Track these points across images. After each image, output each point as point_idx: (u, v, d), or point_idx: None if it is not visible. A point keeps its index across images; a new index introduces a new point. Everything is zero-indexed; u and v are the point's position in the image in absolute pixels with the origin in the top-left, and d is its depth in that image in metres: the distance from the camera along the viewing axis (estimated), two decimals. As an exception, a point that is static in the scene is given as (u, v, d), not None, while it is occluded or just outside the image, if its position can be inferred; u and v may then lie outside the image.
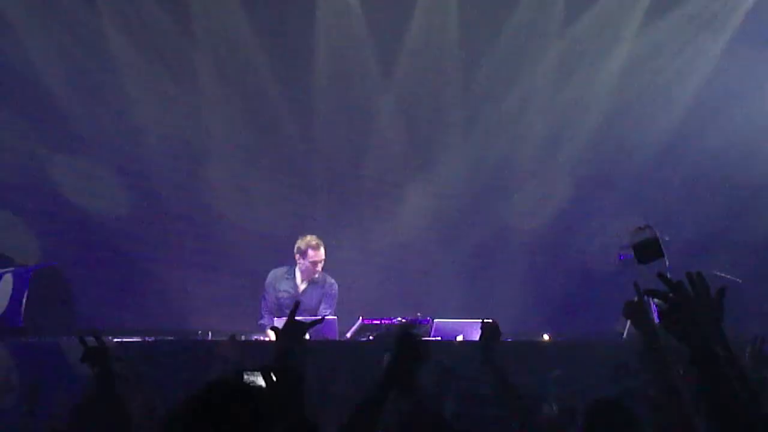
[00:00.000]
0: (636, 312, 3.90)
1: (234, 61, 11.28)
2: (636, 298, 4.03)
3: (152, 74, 11.04)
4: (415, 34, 11.46)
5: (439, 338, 8.77)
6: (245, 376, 3.69)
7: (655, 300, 3.42)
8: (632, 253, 8.05)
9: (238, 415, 3.06)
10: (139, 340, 8.52)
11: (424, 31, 11.45)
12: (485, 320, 5.85)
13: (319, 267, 9.54)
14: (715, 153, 10.97)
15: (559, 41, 11.48)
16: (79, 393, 5.60)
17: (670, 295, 3.31)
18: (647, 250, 7.85)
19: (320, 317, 4.44)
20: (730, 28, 11.22)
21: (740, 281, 8.87)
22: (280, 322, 8.76)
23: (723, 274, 8.15)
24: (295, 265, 9.60)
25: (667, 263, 7.56)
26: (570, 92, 11.46)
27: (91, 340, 4.76)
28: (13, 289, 9.14)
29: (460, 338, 8.52)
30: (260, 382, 3.51)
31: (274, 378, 3.47)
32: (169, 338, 8.93)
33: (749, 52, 11.07)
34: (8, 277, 9.20)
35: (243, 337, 8.70)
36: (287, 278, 9.59)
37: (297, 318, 4.38)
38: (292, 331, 4.20)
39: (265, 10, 11.10)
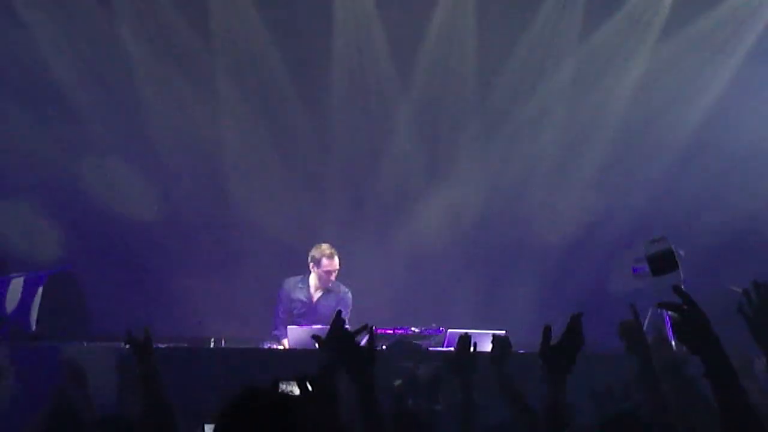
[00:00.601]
0: (631, 332, 3.86)
1: (251, 68, 11.32)
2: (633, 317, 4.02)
3: (169, 79, 11.10)
4: (433, 44, 11.50)
5: (452, 348, 8.76)
6: (281, 386, 3.64)
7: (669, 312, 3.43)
8: (647, 265, 8.04)
9: (272, 425, 3.04)
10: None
11: (441, 41, 11.50)
12: (496, 333, 5.81)
13: (333, 276, 9.58)
14: (730, 166, 11.04)
15: (576, 54, 11.53)
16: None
17: (684, 307, 3.30)
18: (662, 262, 7.81)
19: (365, 325, 4.26)
20: (743, 46, 11.28)
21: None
22: (292, 330, 8.83)
23: (736, 288, 8.13)
24: (309, 273, 9.61)
25: (682, 276, 7.51)
26: (586, 106, 11.51)
27: (137, 340, 4.77)
28: (22, 293, 9.20)
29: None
30: (296, 391, 3.48)
31: (311, 388, 3.47)
32: (184, 345, 8.98)
33: (763, 69, 11.16)
34: (18, 282, 9.26)
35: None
36: (301, 287, 9.61)
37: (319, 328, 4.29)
38: (338, 341, 4.04)
39: (283, 16, 11.18)
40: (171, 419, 4.63)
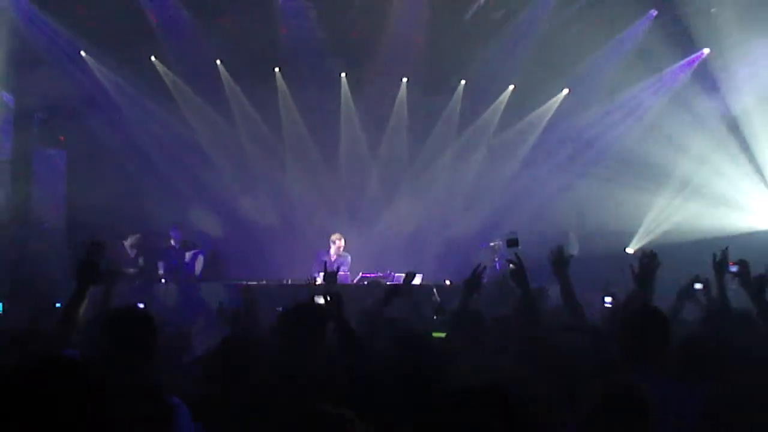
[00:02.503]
0: (516, 273, 3.60)
1: (301, 144, 11.40)
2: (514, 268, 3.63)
3: (259, 152, 11.25)
4: (388, 129, 11.59)
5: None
6: (315, 299, 3.95)
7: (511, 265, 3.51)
8: (502, 242, 8.35)
9: (310, 316, 3.32)
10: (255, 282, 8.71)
11: (392, 128, 11.57)
12: (408, 272, 5.46)
13: (341, 249, 9.75)
14: (534, 201, 11.05)
15: (455, 143, 11.69)
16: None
17: (517, 262, 3.50)
18: (512, 242, 8.12)
19: (337, 271, 5.01)
20: (525, 147, 11.40)
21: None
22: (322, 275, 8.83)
23: None
24: (329, 247, 9.84)
25: (521, 249, 7.69)
26: (460, 170, 11.62)
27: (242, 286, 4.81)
28: (191, 259, 9.43)
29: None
30: (321, 301, 3.57)
31: (329, 298, 3.47)
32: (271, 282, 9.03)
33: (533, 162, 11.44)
34: (190, 253, 9.47)
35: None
36: (326, 254, 9.75)
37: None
38: (330, 278, 4.55)
39: (316, 117, 11.27)
40: (256, 316, 4.69)
